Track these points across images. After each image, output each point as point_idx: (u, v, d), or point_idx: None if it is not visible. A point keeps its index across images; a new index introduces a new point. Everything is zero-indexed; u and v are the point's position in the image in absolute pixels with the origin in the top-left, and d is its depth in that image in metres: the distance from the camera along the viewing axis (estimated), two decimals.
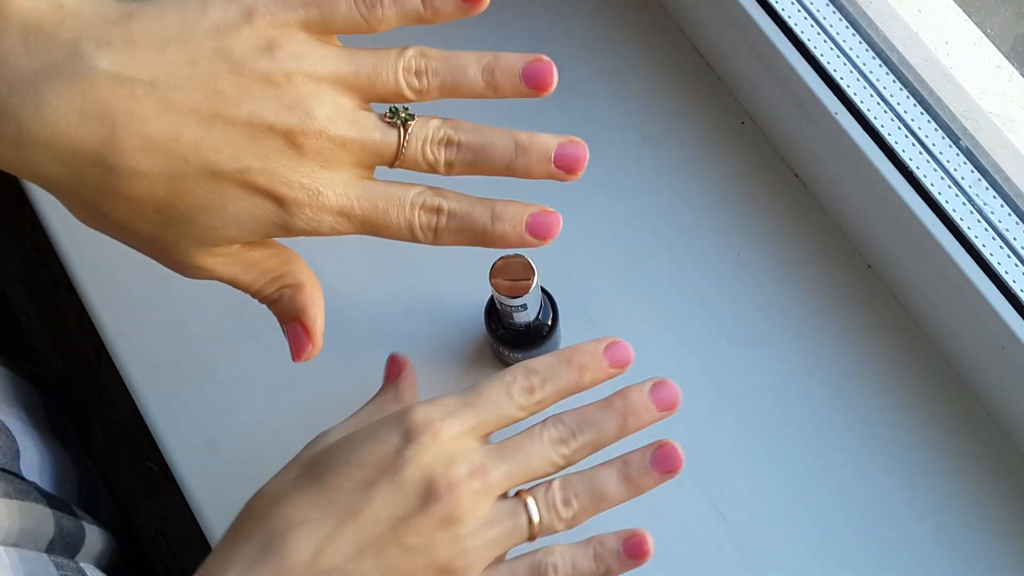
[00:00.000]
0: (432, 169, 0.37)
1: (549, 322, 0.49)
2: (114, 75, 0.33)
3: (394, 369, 0.47)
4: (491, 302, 0.50)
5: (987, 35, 0.51)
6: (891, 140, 0.49)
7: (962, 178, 0.48)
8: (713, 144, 0.56)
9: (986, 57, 0.51)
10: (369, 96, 0.37)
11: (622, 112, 0.57)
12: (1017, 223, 0.47)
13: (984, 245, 0.47)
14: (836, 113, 0.50)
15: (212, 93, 0.34)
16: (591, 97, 0.58)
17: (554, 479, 0.38)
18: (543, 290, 0.50)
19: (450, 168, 0.37)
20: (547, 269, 0.54)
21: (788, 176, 0.56)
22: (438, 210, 0.37)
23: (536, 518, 0.36)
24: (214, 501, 0.51)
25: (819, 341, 0.53)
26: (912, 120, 0.49)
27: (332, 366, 0.53)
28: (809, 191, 0.55)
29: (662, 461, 0.38)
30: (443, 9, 0.37)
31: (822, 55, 0.50)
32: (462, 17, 0.37)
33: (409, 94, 0.37)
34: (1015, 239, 0.47)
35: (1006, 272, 0.47)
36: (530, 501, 0.37)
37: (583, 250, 0.55)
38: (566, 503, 0.37)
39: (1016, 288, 0.46)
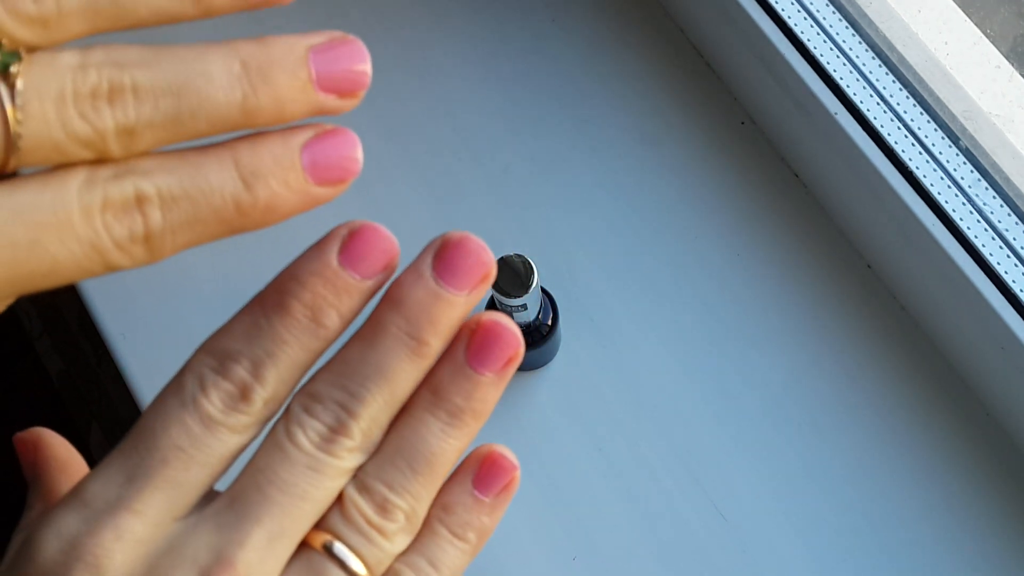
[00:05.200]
0: (92, 150, 0.20)
1: (549, 322, 0.49)
2: None
3: (28, 455, 0.28)
4: (491, 302, 0.50)
5: (987, 35, 0.51)
6: (891, 140, 0.49)
7: (962, 178, 0.48)
8: (713, 144, 0.56)
9: (986, 57, 0.51)
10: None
11: (622, 112, 0.57)
12: (1017, 223, 0.47)
13: (984, 245, 0.47)
14: (836, 113, 0.50)
15: None
16: (591, 97, 0.58)
17: (346, 487, 0.23)
18: (543, 290, 0.50)
19: (129, 139, 0.20)
20: (547, 269, 0.54)
21: (788, 176, 0.56)
22: (140, 202, 0.20)
23: (357, 567, 0.22)
24: None
25: (819, 341, 0.53)
26: (912, 120, 0.49)
27: None
28: (809, 191, 0.55)
29: (488, 349, 0.23)
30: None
31: (822, 55, 0.51)
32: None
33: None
34: (1015, 239, 0.47)
35: (1006, 272, 0.47)
36: (335, 546, 0.22)
37: (583, 250, 0.55)
38: (383, 509, 0.23)
39: (1016, 288, 0.46)
